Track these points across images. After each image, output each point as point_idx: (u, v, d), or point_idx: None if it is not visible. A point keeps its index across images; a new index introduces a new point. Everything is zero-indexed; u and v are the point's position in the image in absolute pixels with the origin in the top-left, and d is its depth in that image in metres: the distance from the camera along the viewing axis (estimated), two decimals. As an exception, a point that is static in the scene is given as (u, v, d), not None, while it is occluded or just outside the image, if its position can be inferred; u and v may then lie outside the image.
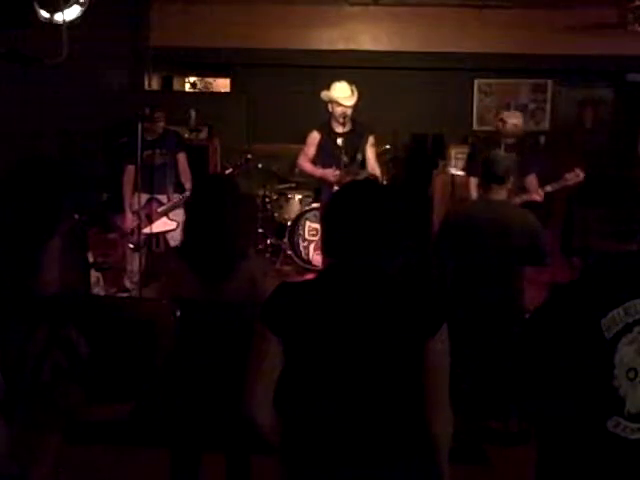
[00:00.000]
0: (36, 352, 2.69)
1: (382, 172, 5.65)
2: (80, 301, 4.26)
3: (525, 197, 4.88)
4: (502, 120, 5.24)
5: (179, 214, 5.63)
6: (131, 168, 5.45)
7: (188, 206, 2.93)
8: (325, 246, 1.96)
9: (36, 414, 2.71)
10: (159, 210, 5.57)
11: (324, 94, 5.32)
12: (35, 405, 2.71)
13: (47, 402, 2.74)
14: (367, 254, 1.84)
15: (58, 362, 2.78)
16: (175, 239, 5.67)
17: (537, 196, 4.87)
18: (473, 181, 5.28)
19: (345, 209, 1.88)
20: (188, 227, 2.84)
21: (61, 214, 2.85)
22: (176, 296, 2.84)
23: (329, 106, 5.32)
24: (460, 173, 6.54)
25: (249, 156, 5.53)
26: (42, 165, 2.82)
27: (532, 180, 5.14)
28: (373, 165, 5.39)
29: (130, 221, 5.53)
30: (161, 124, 5.53)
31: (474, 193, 5.20)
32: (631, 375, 1.75)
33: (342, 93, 5.24)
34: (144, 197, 5.40)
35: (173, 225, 5.59)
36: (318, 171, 5.39)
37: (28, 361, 2.68)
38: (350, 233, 1.85)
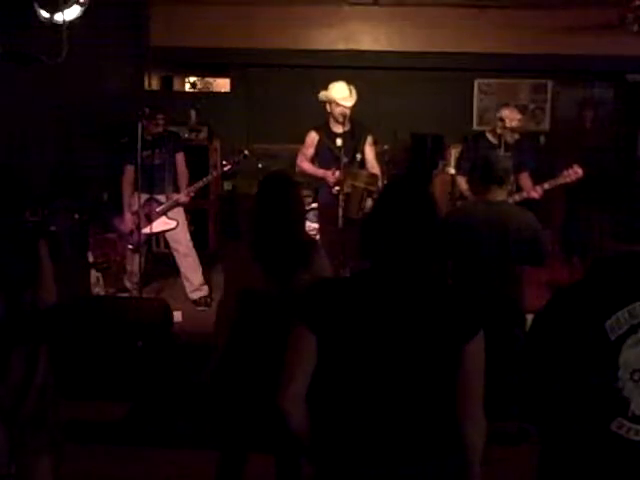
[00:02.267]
0: (39, 382, 2.67)
1: (382, 172, 5.65)
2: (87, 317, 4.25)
3: (523, 195, 4.88)
4: (503, 119, 5.23)
5: (178, 213, 5.64)
6: (130, 168, 5.46)
7: (258, 203, 2.88)
8: (364, 248, 1.94)
9: (35, 437, 2.70)
10: (158, 210, 5.57)
11: (322, 94, 5.31)
12: (35, 428, 2.69)
13: (44, 423, 2.73)
14: (407, 257, 1.84)
15: (52, 392, 2.77)
16: (175, 239, 5.68)
17: (534, 193, 4.87)
18: (463, 180, 5.29)
19: (387, 212, 1.88)
20: (260, 224, 2.82)
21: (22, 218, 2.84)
22: (245, 288, 2.82)
23: (327, 106, 5.31)
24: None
25: (246, 152, 5.53)
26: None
27: (525, 178, 5.16)
28: (373, 164, 5.39)
29: (129, 221, 5.53)
30: (160, 128, 5.54)
31: (468, 193, 5.20)
32: (636, 377, 1.75)
33: (340, 93, 5.23)
34: (143, 197, 5.41)
35: (172, 224, 5.59)
36: (319, 171, 5.38)
37: (31, 392, 2.65)
38: (391, 236, 1.84)
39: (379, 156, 5.83)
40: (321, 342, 1.83)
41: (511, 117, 5.22)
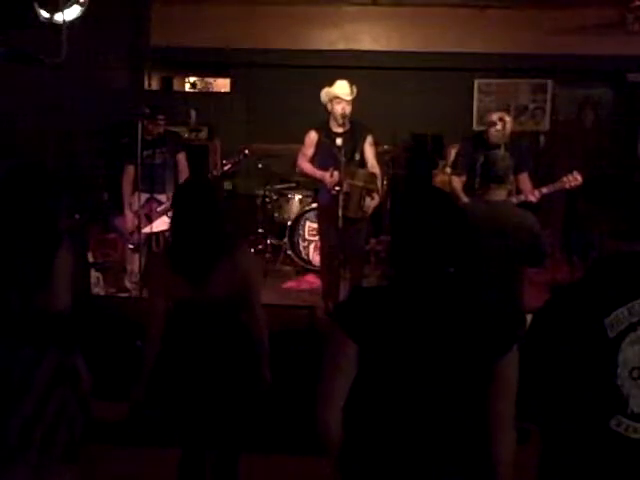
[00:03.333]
0: (42, 386, 2.63)
1: (382, 172, 5.63)
2: (87, 317, 4.22)
3: (521, 198, 4.88)
4: (503, 120, 5.20)
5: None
6: (131, 168, 5.46)
7: (172, 210, 2.99)
8: (395, 257, 1.90)
9: (45, 449, 2.66)
10: (158, 210, 5.57)
11: (324, 93, 5.27)
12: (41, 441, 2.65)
13: (52, 437, 2.70)
14: (441, 266, 1.83)
15: (63, 399, 2.74)
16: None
17: (532, 197, 4.86)
18: (458, 181, 5.27)
19: (419, 221, 1.85)
20: (172, 230, 2.93)
21: (60, 221, 2.81)
22: (166, 296, 2.86)
23: (328, 106, 5.29)
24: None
25: (246, 151, 5.53)
26: (34, 172, 2.77)
27: (524, 179, 5.15)
28: (373, 164, 5.37)
29: (129, 221, 5.53)
30: (161, 128, 5.55)
31: (462, 194, 5.18)
32: (635, 374, 1.75)
33: (343, 90, 5.22)
34: (143, 197, 5.41)
35: (173, 224, 5.59)
36: (317, 173, 5.36)
37: (32, 392, 2.61)
38: (425, 245, 1.82)
39: (379, 156, 5.81)
40: (362, 353, 1.81)
41: (507, 121, 5.18)
